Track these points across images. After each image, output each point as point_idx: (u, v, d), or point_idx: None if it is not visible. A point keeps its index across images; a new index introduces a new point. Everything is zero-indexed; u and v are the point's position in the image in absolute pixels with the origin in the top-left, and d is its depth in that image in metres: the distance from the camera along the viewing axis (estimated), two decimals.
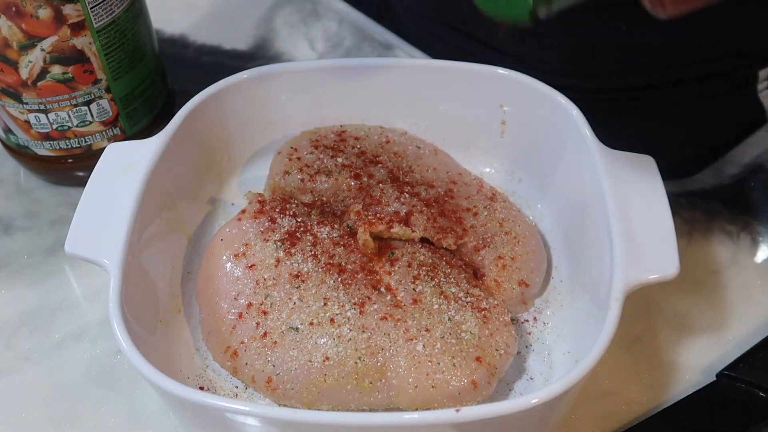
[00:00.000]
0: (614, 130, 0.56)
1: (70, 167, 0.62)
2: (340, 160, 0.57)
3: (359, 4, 0.81)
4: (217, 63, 0.75)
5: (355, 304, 0.48)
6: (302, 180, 0.56)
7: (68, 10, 0.54)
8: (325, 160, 0.57)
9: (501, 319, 0.49)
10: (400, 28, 0.77)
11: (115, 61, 0.58)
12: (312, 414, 0.41)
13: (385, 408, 0.47)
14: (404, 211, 0.53)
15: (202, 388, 0.49)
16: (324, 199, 0.56)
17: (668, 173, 0.52)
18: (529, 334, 0.52)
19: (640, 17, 0.41)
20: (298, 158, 0.57)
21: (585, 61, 0.64)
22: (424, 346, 0.46)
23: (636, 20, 0.51)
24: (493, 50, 0.67)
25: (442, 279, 0.50)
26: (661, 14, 0.38)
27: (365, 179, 0.56)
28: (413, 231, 0.52)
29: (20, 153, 0.62)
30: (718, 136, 0.67)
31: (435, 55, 0.73)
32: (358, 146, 0.59)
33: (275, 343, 0.47)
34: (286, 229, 0.52)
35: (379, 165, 0.57)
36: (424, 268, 0.50)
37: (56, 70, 0.56)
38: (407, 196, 0.54)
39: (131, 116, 0.62)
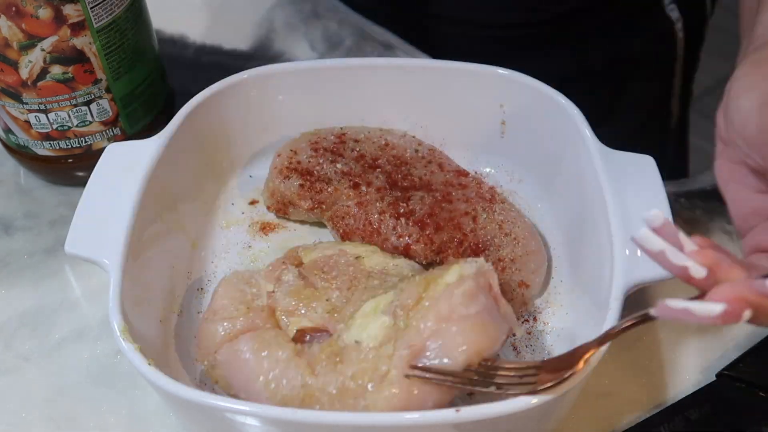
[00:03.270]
0: (614, 131, 0.56)
1: (70, 167, 0.62)
2: (339, 166, 0.57)
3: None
4: (217, 63, 0.75)
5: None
6: (302, 186, 0.56)
7: (68, 10, 0.54)
8: (324, 166, 0.57)
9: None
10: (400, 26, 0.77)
11: (115, 61, 0.58)
12: (312, 414, 0.41)
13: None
14: (402, 245, 0.54)
15: (202, 389, 0.49)
16: (324, 206, 0.56)
17: (668, 173, 0.52)
18: (529, 334, 0.52)
19: None
20: (298, 162, 0.57)
21: None
22: None
23: None
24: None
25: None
26: None
27: (363, 188, 0.56)
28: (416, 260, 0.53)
29: (20, 153, 0.62)
30: (637, 54, 0.79)
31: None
32: (358, 149, 0.59)
33: None
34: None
35: (378, 170, 0.57)
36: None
37: (56, 70, 0.56)
38: (403, 223, 0.54)
39: (131, 116, 0.62)
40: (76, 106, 0.58)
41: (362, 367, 0.44)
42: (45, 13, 0.54)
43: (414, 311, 0.44)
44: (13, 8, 0.53)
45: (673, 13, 0.78)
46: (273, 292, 0.50)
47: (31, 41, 0.54)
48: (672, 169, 0.87)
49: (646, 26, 0.79)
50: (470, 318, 0.43)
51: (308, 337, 0.48)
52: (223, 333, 0.48)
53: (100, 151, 0.54)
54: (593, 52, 0.78)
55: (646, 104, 0.84)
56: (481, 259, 0.47)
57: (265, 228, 0.59)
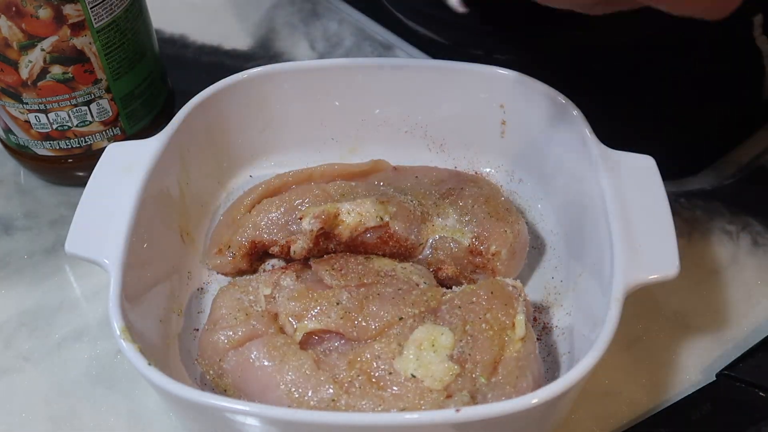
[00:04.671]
0: (614, 131, 0.56)
1: (70, 167, 0.62)
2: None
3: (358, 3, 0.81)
4: (217, 63, 0.75)
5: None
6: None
7: (68, 10, 0.54)
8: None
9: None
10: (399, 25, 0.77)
11: (115, 61, 0.58)
12: (312, 414, 0.41)
13: None
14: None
15: (202, 389, 0.49)
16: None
17: (668, 173, 0.52)
18: None
19: None
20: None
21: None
22: None
23: None
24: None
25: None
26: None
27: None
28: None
29: (20, 153, 0.62)
30: (719, 98, 0.69)
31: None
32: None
33: None
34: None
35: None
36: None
37: (56, 70, 0.56)
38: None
39: (131, 116, 0.62)
40: (76, 106, 0.58)
41: (417, 403, 0.44)
42: (45, 13, 0.54)
43: (503, 375, 0.45)
44: (13, 8, 0.53)
45: (764, 46, 0.67)
46: (272, 296, 0.50)
47: (31, 41, 0.54)
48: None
49: (730, 53, 0.69)
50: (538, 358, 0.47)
51: (316, 338, 0.49)
52: (226, 341, 0.48)
53: (100, 151, 0.54)
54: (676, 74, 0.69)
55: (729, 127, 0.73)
56: (518, 285, 0.49)
57: None
